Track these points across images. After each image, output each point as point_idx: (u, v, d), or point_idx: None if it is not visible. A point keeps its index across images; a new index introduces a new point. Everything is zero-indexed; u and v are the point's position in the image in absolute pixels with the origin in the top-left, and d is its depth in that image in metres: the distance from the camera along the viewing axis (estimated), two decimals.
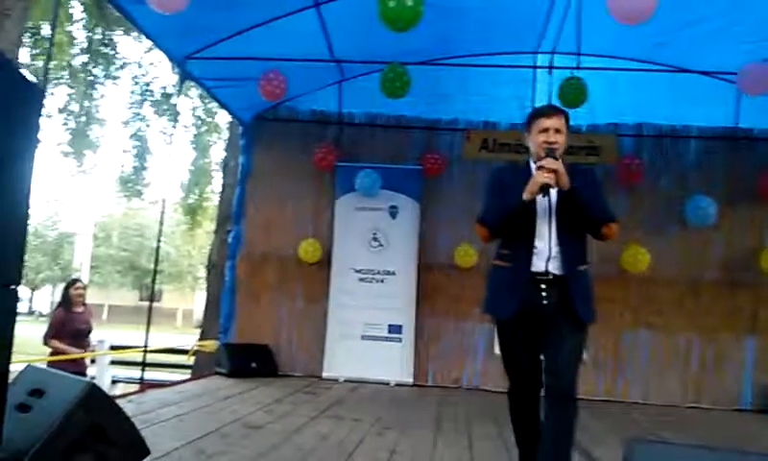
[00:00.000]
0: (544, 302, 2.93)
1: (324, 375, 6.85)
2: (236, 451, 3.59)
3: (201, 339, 9.49)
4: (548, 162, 2.87)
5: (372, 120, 7.32)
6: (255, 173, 7.49)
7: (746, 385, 6.59)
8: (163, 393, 5.53)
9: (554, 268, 2.94)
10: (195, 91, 12.23)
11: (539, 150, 2.97)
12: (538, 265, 2.95)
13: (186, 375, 9.51)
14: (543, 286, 2.94)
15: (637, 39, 5.82)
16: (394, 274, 6.98)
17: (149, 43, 11.06)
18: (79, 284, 6.48)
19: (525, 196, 2.89)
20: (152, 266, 7.61)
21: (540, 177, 2.85)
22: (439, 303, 7.02)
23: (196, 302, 33.09)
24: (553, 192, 2.93)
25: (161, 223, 6.63)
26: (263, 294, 7.26)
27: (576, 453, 4.04)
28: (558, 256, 2.95)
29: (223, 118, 12.61)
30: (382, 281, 7.00)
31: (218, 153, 13.27)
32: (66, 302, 6.28)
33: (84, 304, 6.43)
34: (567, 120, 3.04)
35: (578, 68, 5.63)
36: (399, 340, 6.86)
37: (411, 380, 6.77)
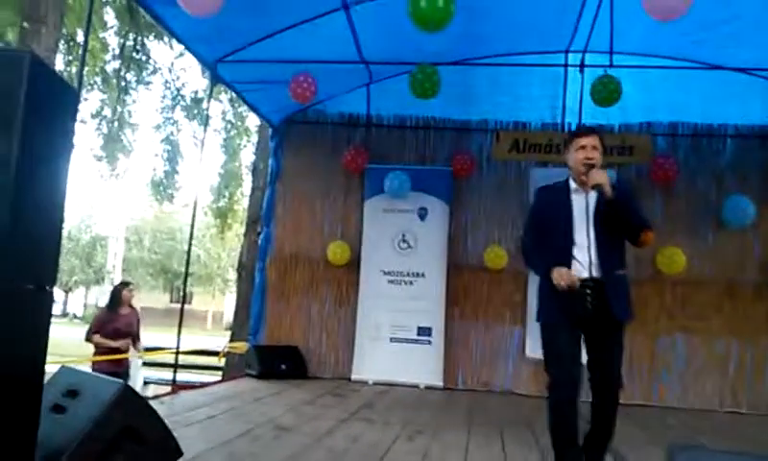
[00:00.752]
0: (588, 306, 3.16)
1: (354, 377, 6.84)
2: (267, 453, 3.58)
3: (231, 341, 9.55)
4: (595, 173, 3.14)
5: (401, 122, 7.30)
6: (285, 175, 7.52)
7: None
8: (194, 394, 5.57)
9: (596, 273, 3.16)
10: (225, 95, 12.36)
11: (578, 166, 3.22)
12: (580, 272, 3.17)
13: (217, 376, 9.58)
14: (587, 291, 3.16)
15: (671, 37, 5.69)
16: (423, 276, 6.94)
17: (179, 48, 11.21)
18: (132, 286, 6.63)
19: (555, 282, 3.11)
20: (182, 269, 7.71)
21: (561, 279, 3.09)
22: (469, 305, 6.96)
23: (226, 304, 33.42)
24: (591, 202, 3.21)
25: (192, 226, 6.68)
26: (293, 296, 7.28)
27: (613, 459, 3.98)
28: (597, 262, 3.17)
29: (252, 122, 12.72)
30: (411, 283, 6.96)
31: (248, 156, 13.39)
32: (114, 302, 6.40)
33: (132, 307, 6.54)
34: (602, 139, 3.30)
35: (610, 67, 5.52)
36: (429, 342, 6.81)
37: (441, 383, 6.71)
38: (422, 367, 6.77)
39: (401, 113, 7.23)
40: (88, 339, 6.31)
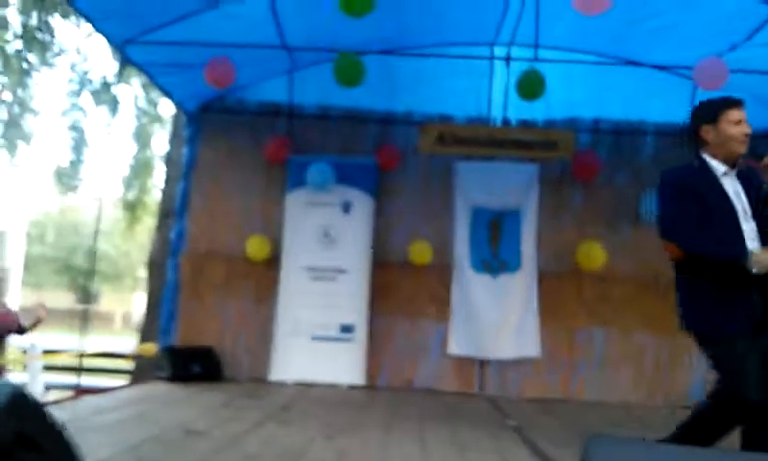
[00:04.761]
0: (757, 308, 2.79)
1: (272, 378, 6.54)
2: (176, 458, 3.34)
3: (141, 342, 9.06)
4: None
5: (324, 112, 7.04)
6: (200, 166, 7.12)
7: (698, 382, 6.61)
8: (99, 399, 5.19)
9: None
10: (137, 80, 11.73)
11: (733, 144, 2.87)
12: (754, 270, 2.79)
13: (125, 381, 9.08)
14: (759, 292, 2.79)
15: (595, 33, 5.78)
16: (346, 272, 6.72)
17: (88, 28, 10.54)
18: None
19: (755, 268, 2.70)
20: (88, 266, 7.23)
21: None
22: (392, 301, 6.79)
23: (135, 303, 32.05)
24: (740, 186, 2.88)
25: (99, 219, 6.23)
26: (207, 294, 6.89)
27: (531, 453, 3.95)
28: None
29: (167, 109, 12.15)
30: (334, 280, 6.73)
31: (161, 145, 12.79)
32: None
33: (4, 306, 5.92)
34: None
35: (535, 60, 5.52)
36: (351, 340, 6.61)
37: (363, 382, 6.52)
38: (344, 365, 6.56)
39: (325, 103, 6.98)
40: None
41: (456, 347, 6.71)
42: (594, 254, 6.49)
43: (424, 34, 6.24)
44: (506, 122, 6.83)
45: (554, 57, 5.76)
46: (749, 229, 2.84)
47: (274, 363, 6.60)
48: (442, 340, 6.75)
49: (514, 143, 6.49)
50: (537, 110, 6.48)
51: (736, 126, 2.87)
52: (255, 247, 6.75)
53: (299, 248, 6.75)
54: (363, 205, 6.81)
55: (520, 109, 6.53)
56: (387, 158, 6.81)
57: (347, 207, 6.82)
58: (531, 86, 5.42)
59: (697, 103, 3.01)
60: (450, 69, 6.32)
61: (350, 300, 6.65)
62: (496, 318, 6.66)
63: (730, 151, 2.88)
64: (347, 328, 6.62)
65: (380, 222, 6.89)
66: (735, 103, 2.92)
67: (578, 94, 6.49)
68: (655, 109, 6.66)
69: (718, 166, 2.91)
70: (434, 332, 6.76)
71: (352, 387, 6.42)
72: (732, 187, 2.89)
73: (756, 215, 2.85)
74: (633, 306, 6.69)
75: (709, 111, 2.95)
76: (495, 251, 6.78)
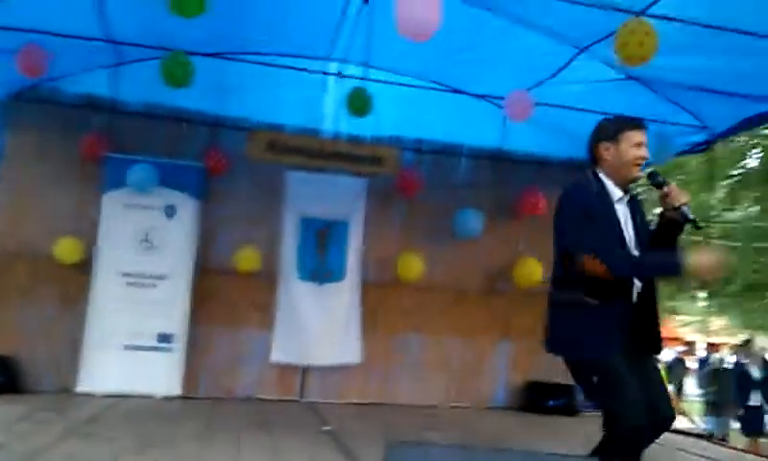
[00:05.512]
0: (629, 331, 2.81)
1: (79, 389, 6.10)
2: None
3: None
4: (680, 192, 2.79)
5: (150, 110, 6.69)
6: (8, 159, 6.47)
7: (500, 385, 7.23)
8: None
9: (636, 299, 2.85)
10: None
11: (629, 168, 2.83)
12: (635, 298, 2.84)
13: None
14: (638, 315, 2.83)
15: (420, 59, 6.11)
16: (166, 278, 6.48)
17: None
18: None
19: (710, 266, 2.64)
20: None
21: (707, 268, 2.64)
22: (215, 309, 6.65)
23: None
24: (628, 211, 2.88)
25: None
26: (7, 297, 6.27)
27: (343, 457, 4.10)
28: (640, 289, 2.85)
29: None
30: (153, 286, 6.46)
31: None
32: None
33: None
34: None
35: (365, 80, 5.73)
36: (169, 350, 6.36)
37: (180, 392, 6.30)
38: (160, 376, 6.29)
39: (150, 101, 6.64)
40: None
41: (279, 354, 6.73)
42: (413, 266, 6.85)
43: (259, 41, 6.19)
44: (336, 135, 7.00)
45: (383, 77, 6.00)
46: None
47: (82, 374, 6.16)
48: (264, 348, 6.74)
49: (342, 156, 6.67)
50: (366, 127, 6.70)
51: (635, 148, 2.83)
52: (65, 248, 6.27)
53: (115, 251, 6.39)
54: (188, 209, 6.62)
55: (351, 125, 6.72)
56: (214, 163, 6.66)
57: (170, 211, 6.59)
58: (359, 103, 5.60)
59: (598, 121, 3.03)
60: (284, 79, 6.30)
61: (170, 307, 6.42)
62: (320, 325, 6.79)
63: (624, 173, 2.85)
64: (165, 338, 6.37)
65: (206, 227, 6.73)
66: (638, 125, 2.87)
67: (404, 114, 6.79)
68: (470, 134, 7.19)
69: (614, 191, 2.88)
70: (257, 340, 6.73)
71: (168, 398, 6.18)
72: (623, 214, 2.88)
73: (641, 243, 2.87)
74: (445, 315, 7.18)
75: (611, 129, 2.90)
76: (322, 260, 6.91)
